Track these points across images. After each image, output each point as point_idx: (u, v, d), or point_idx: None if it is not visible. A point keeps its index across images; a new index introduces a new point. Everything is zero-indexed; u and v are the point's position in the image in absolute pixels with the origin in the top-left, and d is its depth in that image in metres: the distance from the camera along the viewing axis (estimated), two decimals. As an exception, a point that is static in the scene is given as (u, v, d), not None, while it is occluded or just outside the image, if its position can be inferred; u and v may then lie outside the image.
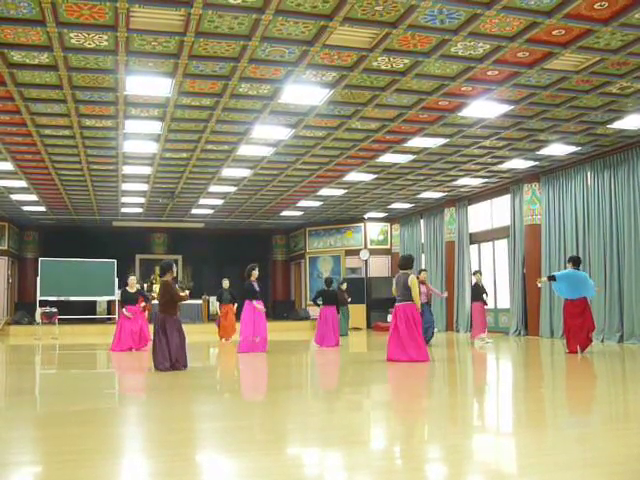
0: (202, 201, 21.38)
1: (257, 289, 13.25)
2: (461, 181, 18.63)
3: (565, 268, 12.60)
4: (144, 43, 8.77)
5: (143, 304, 14.83)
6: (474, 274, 15.98)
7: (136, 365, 12.00)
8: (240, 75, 9.96)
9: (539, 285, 13.56)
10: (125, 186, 18.58)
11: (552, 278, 12.36)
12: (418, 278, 14.69)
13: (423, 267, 21.28)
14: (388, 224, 26.30)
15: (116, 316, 14.90)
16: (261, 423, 5.87)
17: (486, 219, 20.69)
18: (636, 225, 14.36)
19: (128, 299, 14.34)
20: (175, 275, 10.50)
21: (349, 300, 19.39)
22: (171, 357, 9.81)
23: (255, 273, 13.36)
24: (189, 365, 10.04)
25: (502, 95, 11.21)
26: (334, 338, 14.97)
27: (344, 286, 19.08)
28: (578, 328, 11.81)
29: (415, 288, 10.83)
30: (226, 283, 17.18)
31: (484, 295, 15.55)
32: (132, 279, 14.60)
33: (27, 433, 5.45)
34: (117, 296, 14.72)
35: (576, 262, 12.26)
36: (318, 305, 15.50)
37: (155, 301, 23.41)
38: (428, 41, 8.90)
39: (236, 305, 16.68)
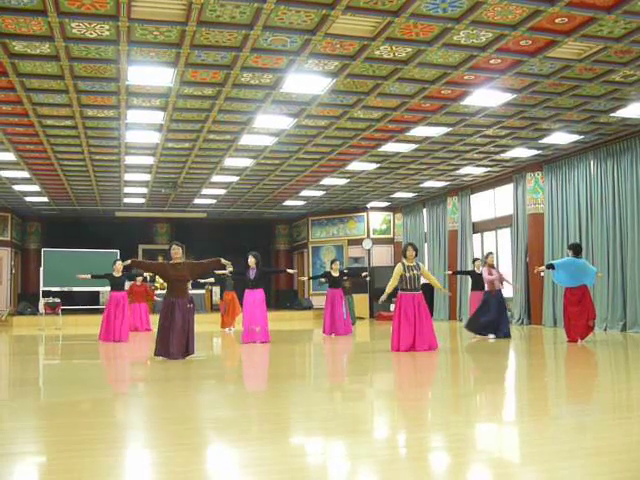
0: (204, 191, 21.38)
1: (251, 277, 13.16)
2: (464, 170, 18.59)
3: (566, 256, 12.52)
4: (146, 33, 8.74)
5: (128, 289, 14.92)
6: (473, 262, 15.81)
7: (139, 355, 12.04)
8: (242, 64, 9.94)
9: (539, 272, 13.33)
10: (127, 176, 18.58)
11: (551, 267, 12.31)
12: (486, 263, 14.20)
13: (489, 250, 19.56)
14: (391, 213, 26.27)
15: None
16: (264, 413, 5.88)
17: (489, 208, 20.68)
18: (639, 214, 14.34)
19: (113, 284, 14.14)
20: (178, 256, 10.20)
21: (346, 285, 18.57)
22: (168, 343, 9.72)
23: (250, 260, 13.17)
24: (194, 354, 10.04)
25: (505, 84, 11.17)
26: (343, 325, 14.86)
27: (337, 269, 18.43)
28: (577, 315, 11.79)
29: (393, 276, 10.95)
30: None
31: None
32: (118, 263, 14.32)
33: (31, 423, 5.47)
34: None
35: (576, 250, 12.19)
36: (323, 282, 15.39)
37: (159, 291, 23.48)
38: (430, 30, 8.86)
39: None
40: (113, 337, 13.66)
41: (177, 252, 10.20)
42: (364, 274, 16.85)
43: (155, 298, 18.44)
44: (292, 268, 29.69)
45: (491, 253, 14.73)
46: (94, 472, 3.84)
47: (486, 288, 13.85)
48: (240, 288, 16.11)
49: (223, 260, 10.56)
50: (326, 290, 15.36)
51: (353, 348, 12.93)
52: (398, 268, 10.88)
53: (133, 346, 13.34)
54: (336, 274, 15.25)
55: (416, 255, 11.03)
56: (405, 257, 10.94)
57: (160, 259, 27.50)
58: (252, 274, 13.13)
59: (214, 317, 21.80)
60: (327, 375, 9.09)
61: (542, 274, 13.12)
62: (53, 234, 27.08)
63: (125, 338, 13.80)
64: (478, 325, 13.72)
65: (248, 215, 27.70)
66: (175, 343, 9.73)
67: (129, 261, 11.60)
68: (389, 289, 10.88)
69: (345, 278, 16.09)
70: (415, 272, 10.83)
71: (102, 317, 14.12)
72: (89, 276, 14.44)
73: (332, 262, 15.64)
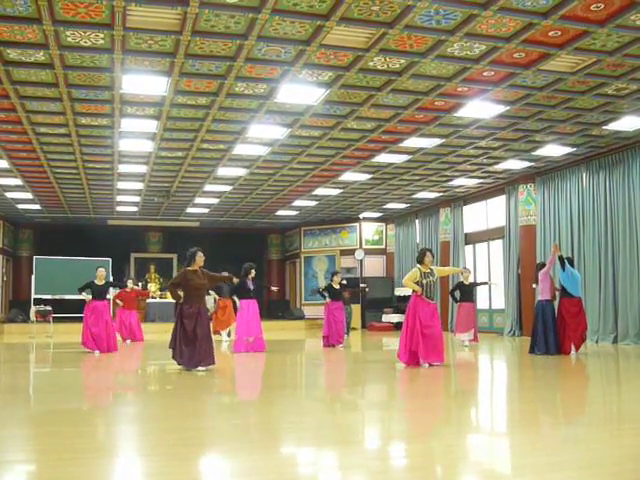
0: (197, 200, 21.37)
1: (251, 287, 13.21)
2: (456, 181, 18.64)
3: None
4: (140, 42, 8.75)
5: (116, 294, 14.49)
6: (462, 273, 15.48)
7: (130, 365, 11.99)
8: (236, 74, 9.96)
9: (556, 247, 12.46)
10: (120, 185, 18.55)
11: (562, 260, 11.99)
12: (542, 268, 12.48)
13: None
14: (383, 224, 26.31)
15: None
16: (256, 422, 5.87)
17: (481, 219, 20.72)
18: (631, 226, 14.39)
19: (95, 293, 13.31)
20: (202, 264, 9.96)
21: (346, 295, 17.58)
22: (199, 352, 9.52)
23: (252, 272, 13.31)
24: (213, 365, 9.74)
25: (498, 96, 11.22)
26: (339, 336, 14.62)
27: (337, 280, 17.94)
28: (575, 327, 11.85)
29: (405, 278, 10.38)
30: None
31: (476, 288, 15.15)
32: (101, 271, 13.56)
33: (21, 431, 5.44)
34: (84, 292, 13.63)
35: (571, 263, 12.28)
36: (324, 297, 15.11)
37: (150, 299, 23.37)
38: (424, 41, 8.90)
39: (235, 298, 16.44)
40: (100, 347, 12.92)
41: (202, 259, 9.99)
42: (362, 286, 16.74)
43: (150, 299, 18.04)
44: (284, 278, 29.86)
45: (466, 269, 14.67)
46: (84, 481, 3.82)
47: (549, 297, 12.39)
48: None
49: (235, 279, 10.59)
50: (326, 302, 14.97)
51: (347, 358, 12.90)
52: (415, 273, 10.11)
53: (126, 355, 13.29)
54: (337, 286, 14.99)
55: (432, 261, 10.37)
56: (422, 263, 10.18)
57: (152, 268, 27.49)
58: (252, 285, 13.21)
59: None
60: (320, 385, 9.07)
61: (557, 252, 12.21)
62: (45, 242, 26.97)
63: (115, 348, 13.29)
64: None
65: (241, 224, 27.69)
66: (206, 349, 9.58)
67: (176, 294, 10.16)
68: (416, 287, 10.03)
69: (345, 290, 15.83)
70: (431, 279, 10.13)
71: (83, 325, 13.30)
72: (83, 295, 13.65)
73: (334, 274, 15.34)
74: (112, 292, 14.17)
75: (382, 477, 3.92)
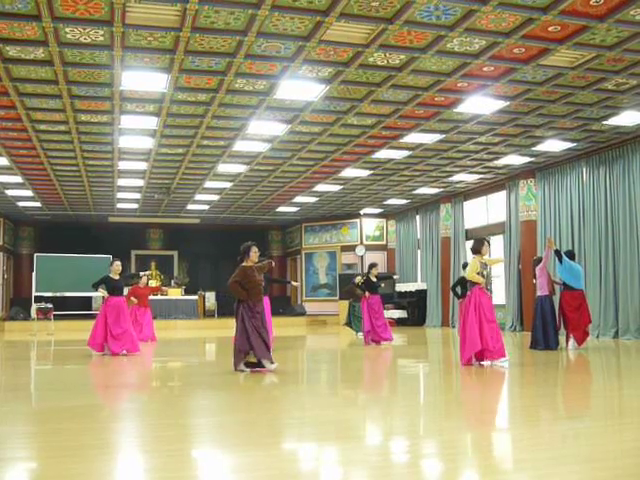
0: (198, 197, 21.37)
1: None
2: (457, 177, 18.64)
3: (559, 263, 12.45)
4: (140, 38, 8.75)
5: (129, 291, 14.17)
6: (463, 268, 15.17)
7: (132, 361, 11.99)
8: (236, 70, 9.96)
9: (550, 241, 12.11)
10: (121, 182, 18.55)
11: (559, 255, 11.99)
12: (539, 264, 12.35)
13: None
14: (384, 220, 26.30)
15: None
16: (258, 418, 5.87)
17: (482, 215, 20.72)
18: (631, 221, 14.39)
19: (111, 288, 12.08)
20: (254, 260, 9.19)
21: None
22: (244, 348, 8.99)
23: None
24: (274, 364, 9.04)
25: (498, 91, 11.21)
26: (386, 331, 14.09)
27: (358, 279, 16.07)
28: (576, 322, 11.86)
29: (468, 270, 9.77)
30: None
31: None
32: (117, 264, 12.23)
33: (23, 428, 5.44)
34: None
35: (571, 256, 12.28)
36: (363, 291, 14.51)
37: (152, 296, 23.34)
38: (424, 37, 8.90)
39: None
40: (126, 346, 12.01)
41: (257, 254, 9.26)
42: (396, 277, 16.57)
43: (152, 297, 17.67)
44: (285, 274, 29.81)
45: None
46: (86, 478, 3.82)
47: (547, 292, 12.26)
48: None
49: (272, 262, 10.19)
50: (365, 296, 14.38)
51: (348, 354, 12.90)
52: (475, 263, 9.52)
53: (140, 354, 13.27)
54: (374, 279, 14.37)
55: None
56: (479, 253, 9.65)
57: (153, 265, 27.50)
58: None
59: (207, 323, 21.75)
60: (319, 380, 9.07)
61: (553, 246, 12.11)
62: (46, 239, 27.00)
63: (137, 349, 12.14)
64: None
65: (241, 221, 27.69)
66: (268, 347, 9.13)
67: (243, 292, 9.11)
68: (480, 279, 9.49)
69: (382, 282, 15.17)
70: (488, 269, 9.58)
71: (96, 323, 12.13)
72: (100, 291, 12.37)
73: (371, 267, 14.51)
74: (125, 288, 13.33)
75: (382, 472, 3.93)
